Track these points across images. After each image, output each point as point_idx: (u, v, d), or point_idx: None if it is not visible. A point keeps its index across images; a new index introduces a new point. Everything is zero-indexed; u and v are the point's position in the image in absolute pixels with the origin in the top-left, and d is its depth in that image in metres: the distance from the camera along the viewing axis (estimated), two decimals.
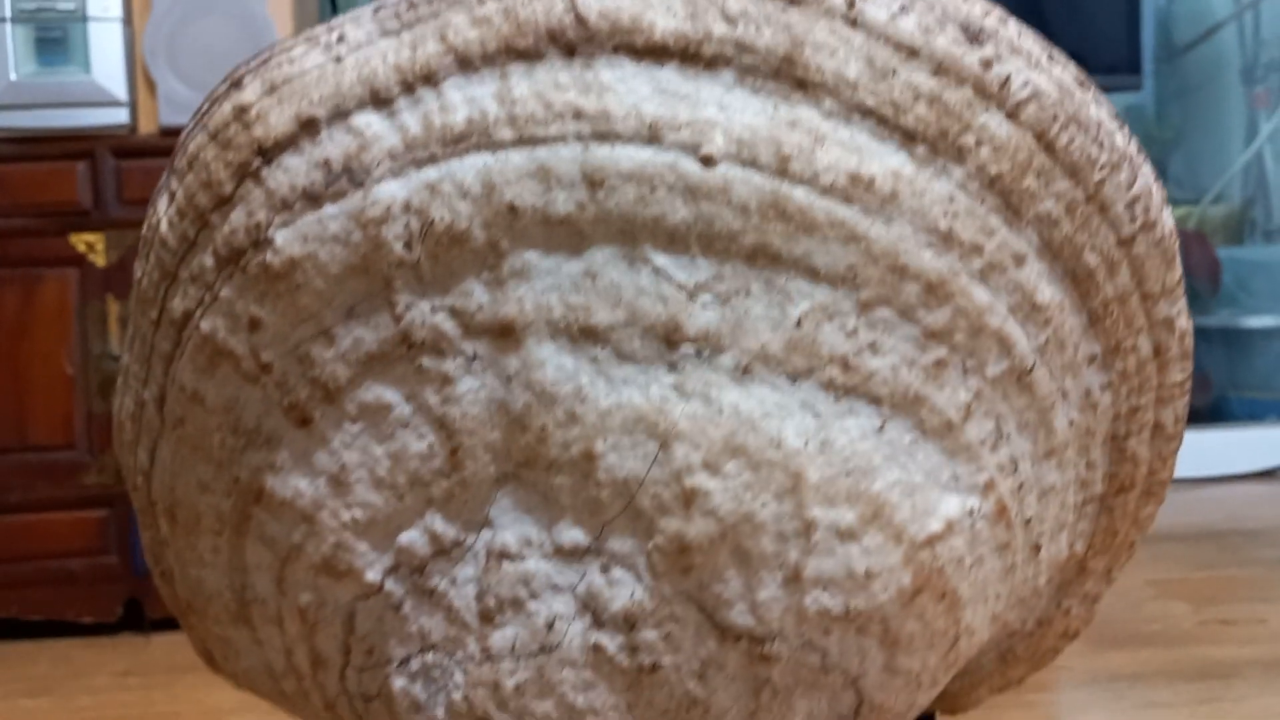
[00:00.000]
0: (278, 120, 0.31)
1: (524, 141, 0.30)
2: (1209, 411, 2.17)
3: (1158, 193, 0.33)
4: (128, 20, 1.32)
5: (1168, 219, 0.33)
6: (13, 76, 1.27)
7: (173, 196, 0.33)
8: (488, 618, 0.31)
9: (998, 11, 0.31)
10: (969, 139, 0.30)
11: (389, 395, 0.32)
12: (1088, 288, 0.33)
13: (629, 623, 0.30)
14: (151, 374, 0.35)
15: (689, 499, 0.30)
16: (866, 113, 0.30)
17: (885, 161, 0.30)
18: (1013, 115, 0.31)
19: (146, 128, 1.35)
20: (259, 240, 0.31)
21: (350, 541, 0.32)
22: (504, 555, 0.31)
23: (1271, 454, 1.98)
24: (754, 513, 0.30)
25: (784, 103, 0.30)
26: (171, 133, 1.31)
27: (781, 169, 0.30)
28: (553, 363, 0.30)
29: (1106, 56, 1.95)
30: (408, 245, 0.31)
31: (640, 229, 0.30)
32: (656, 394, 0.30)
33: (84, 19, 1.26)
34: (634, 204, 0.30)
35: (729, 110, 0.30)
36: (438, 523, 0.32)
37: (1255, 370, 2.25)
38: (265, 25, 1.32)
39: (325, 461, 0.32)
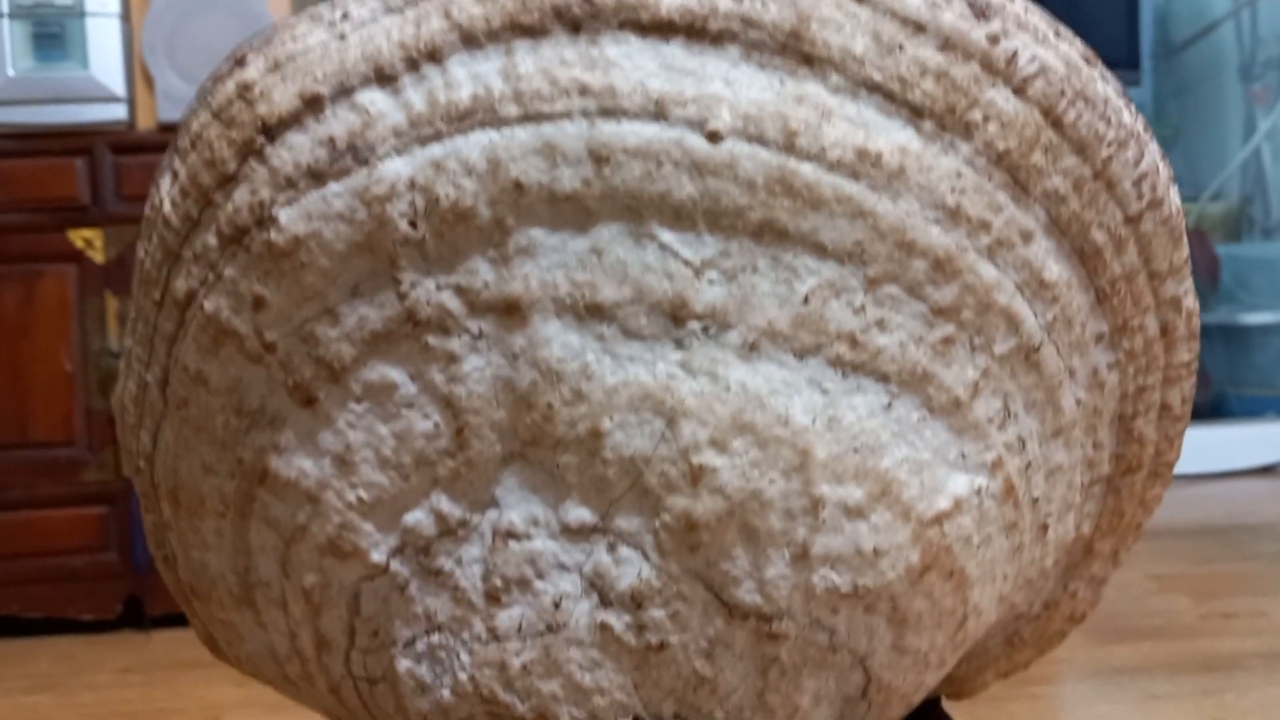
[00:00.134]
0: (281, 98, 0.31)
1: (529, 118, 0.30)
2: (1208, 408, 2.17)
3: (1164, 171, 0.33)
4: (126, 16, 1.31)
5: (1174, 197, 0.33)
6: (11, 72, 1.27)
7: (175, 175, 0.33)
8: (494, 598, 0.31)
9: None
10: (976, 114, 0.30)
11: (394, 374, 0.31)
12: (1095, 265, 0.33)
13: (636, 601, 0.30)
14: (154, 355, 0.35)
15: (696, 476, 0.30)
16: (873, 88, 0.30)
17: (892, 137, 0.30)
18: (1020, 91, 0.30)
19: (145, 123, 1.35)
20: (263, 218, 0.31)
21: (355, 522, 0.32)
22: (510, 535, 0.31)
23: (1271, 450, 1.99)
24: (761, 490, 0.30)
25: (790, 78, 0.30)
26: (170, 129, 1.31)
27: (788, 144, 0.29)
28: (559, 340, 0.30)
29: (1105, 53, 1.96)
30: (413, 223, 0.30)
31: (646, 205, 0.30)
32: (663, 371, 0.30)
33: (82, 15, 1.26)
34: (640, 180, 0.30)
35: (735, 86, 0.30)
36: (443, 502, 0.32)
37: (1254, 367, 2.25)
38: (264, 21, 1.32)
39: (330, 441, 0.32)
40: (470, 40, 0.30)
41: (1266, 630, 1.04)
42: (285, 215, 0.31)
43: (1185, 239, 0.34)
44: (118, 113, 1.29)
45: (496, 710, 0.32)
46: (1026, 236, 0.31)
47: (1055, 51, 0.31)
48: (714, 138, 0.29)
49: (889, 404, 0.30)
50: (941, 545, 0.31)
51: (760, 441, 0.30)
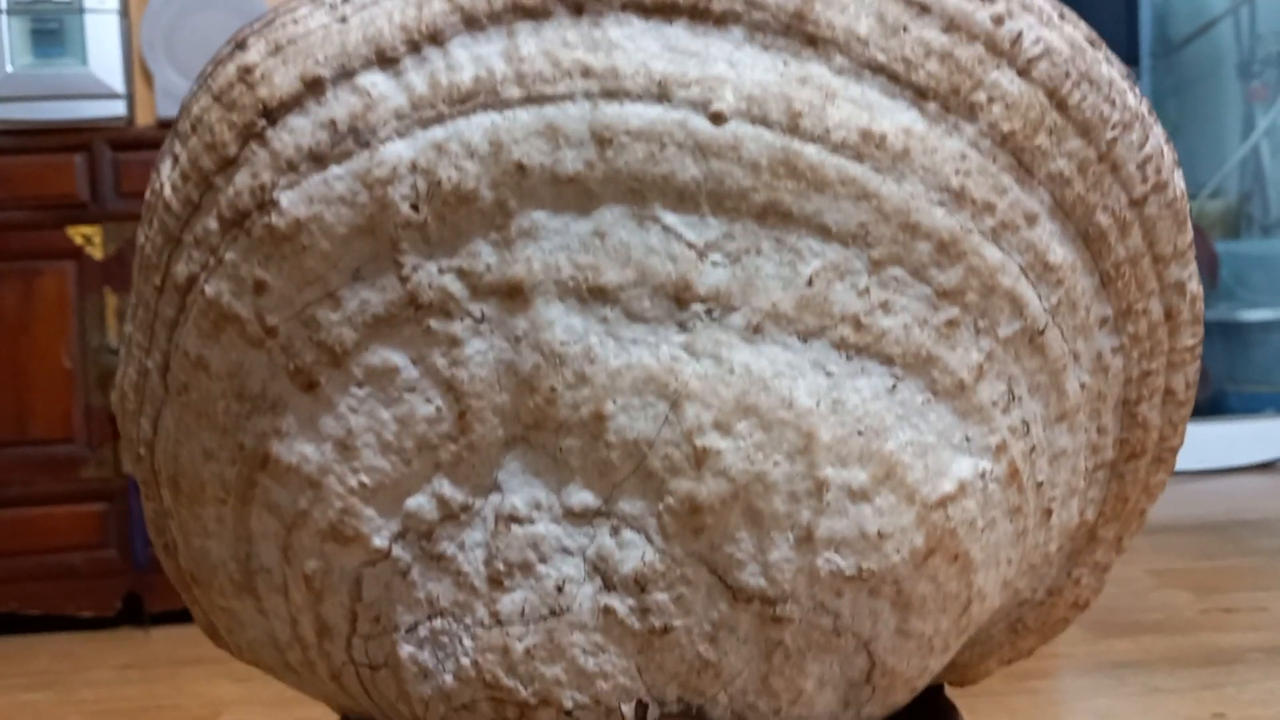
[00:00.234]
0: (282, 81, 0.31)
1: (532, 100, 0.30)
2: (1207, 405, 2.17)
3: (1169, 154, 0.33)
4: (124, 12, 1.31)
5: (1179, 181, 0.33)
6: (9, 69, 1.27)
7: (176, 160, 0.33)
8: (496, 582, 0.31)
9: None
10: (980, 96, 0.30)
11: (396, 358, 0.31)
12: (1100, 249, 0.32)
13: (640, 585, 0.30)
14: (155, 341, 0.35)
15: (700, 459, 0.29)
16: (877, 69, 0.30)
17: (896, 118, 0.30)
18: (1024, 72, 0.30)
19: (144, 120, 1.35)
20: (264, 202, 0.31)
21: (357, 507, 0.32)
22: (513, 519, 0.31)
23: (1270, 447, 1.99)
24: (766, 473, 0.29)
25: (794, 59, 0.30)
26: (169, 125, 1.31)
27: (792, 126, 0.29)
28: (561, 323, 0.30)
29: None
30: (414, 206, 0.30)
31: (650, 187, 0.30)
32: (667, 354, 0.30)
33: (81, 11, 1.26)
34: (643, 162, 0.29)
35: (739, 67, 0.29)
36: (446, 487, 0.31)
37: (1253, 364, 2.25)
38: None
39: (331, 426, 0.32)
40: (472, 22, 0.30)
41: (1267, 625, 1.04)
42: (286, 198, 0.31)
43: (1189, 223, 0.34)
44: (117, 109, 1.29)
45: (499, 695, 0.31)
46: (1031, 219, 0.31)
47: (1060, 33, 0.31)
48: (717, 119, 0.29)
49: (893, 387, 0.30)
50: (946, 529, 0.31)
51: (764, 424, 0.30)
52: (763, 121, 0.29)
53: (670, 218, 0.30)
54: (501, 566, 0.31)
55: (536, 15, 0.30)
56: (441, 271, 0.31)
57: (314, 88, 0.31)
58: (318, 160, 0.31)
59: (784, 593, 0.30)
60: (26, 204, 1.28)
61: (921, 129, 0.30)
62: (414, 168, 0.30)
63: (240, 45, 0.32)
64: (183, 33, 1.31)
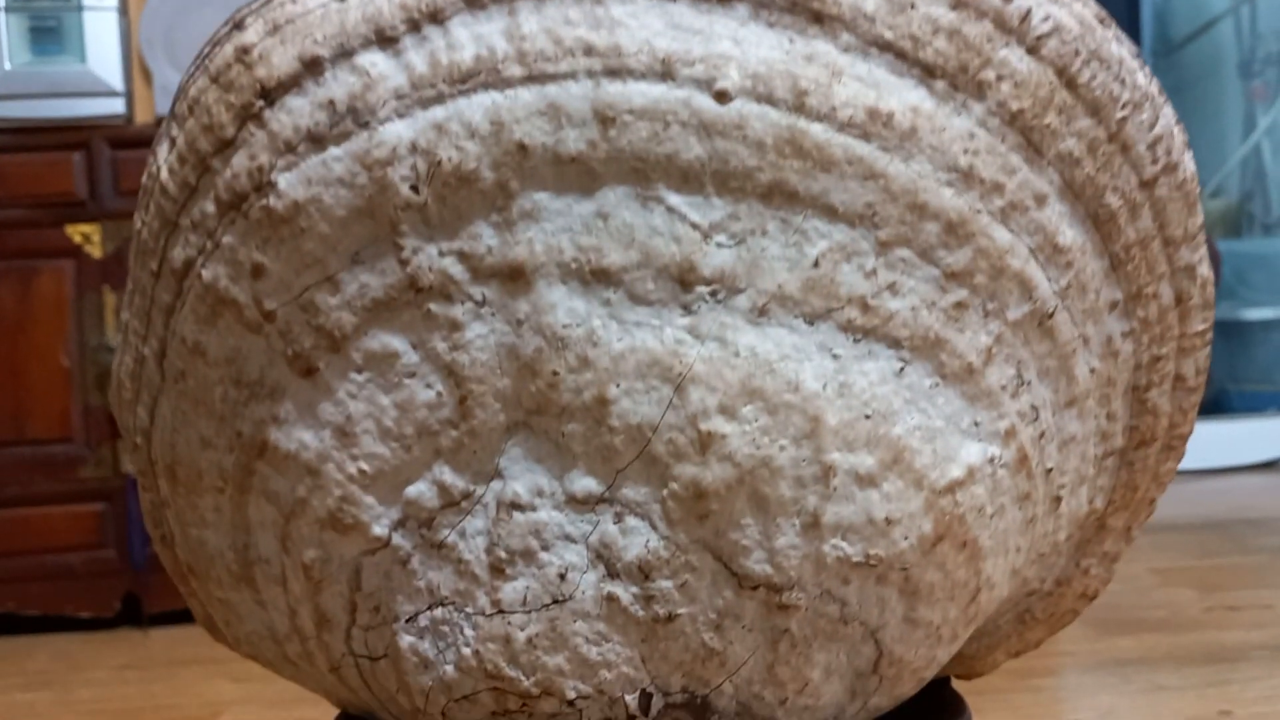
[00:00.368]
0: (280, 60, 0.30)
1: (533, 79, 0.29)
2: (1209, 404, 2.17)
3: (1179, 135, 0.33)
4: (123, 10, 1.31)
5: (1189, 162, 0.33)
6: (7, 66, 1.26)
7: (173, 142, 0.32)
8: (498, 570, 0.31)
9: None
10: (989, 74, 0.30)
11: (396, 343, 0.31)
12: (1109, 231, 0.32)
13: (644, 572, 0.30)
14: (151, 328, 0.34)
15: (705, 444, 0.29)
16: (884, 47, 0.29)
17: (904, 97, 0.29)
18: (1033, 50, 0.30)
19: (143, 118, 1.35)
20: (261, 184, 0.31)
21: (356, 495, 0.32)
22: (515, 506, 0.30)
23: (1272, 446, 1.98)
24: (772, 457, 0.29)
25: (800, 37, 0.29)
26: None
27: (798, 104, 0.29)
28: (564, 306, 0.29)
29: None
30: (414, 187, 0.30)
31: (653, 167, 0.29)
32: (671, 337, 0.29)
33: (79, 8, 1.25)
34: (647, 142, 0.29)
35: (744, 45, 0.29)
36: (446, 474, 0.31)
37: (1255, 363, 2.25)
38: None
39: (330, 413, 0.32)
40: (473, 0, 0.30)
41: (1271, 622, 1.03)
42: (284, 180, 0.30)
43: (1199, 205, 0.33)
44: (115, 107, 1.28)
45: (501, 685, 0.31)
46: (1040, 200, 0.31)
47: (1069, 10, 0.30)
48: (722, 98, 0.29)
49: (901, 370, 0.30)
50: (954, 515, 0.30)
51: (770, 408, 0.29)
52: (768, 100, 0.29)
53: (674, 198, 0.29)
54: (503, 554, 0.31)
55: None
56: (442, 254, 0.30)
57: (312, 68, 0.30)
58: (316, 141, 0.30)
59: (790, 580, 0.30)
60: (24, 202, 1.27)
61: (929, 107, 0.29)
62: (414, 148, 0.30)
63: (238, 25, 0.31)
64: (181, 30, 1.31)
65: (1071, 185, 0.31)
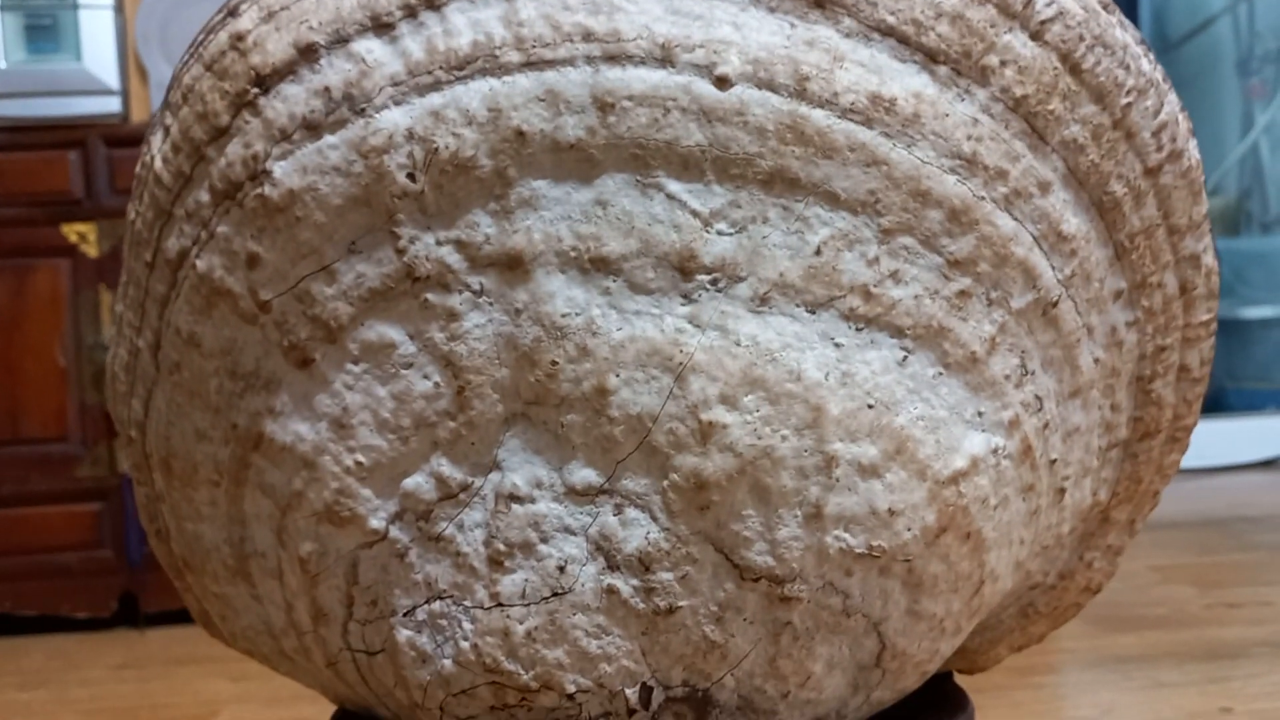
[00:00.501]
0: (275, 47, 0.30)
1: (531, 65, 0.29)
2: (1207, 403, 2.16)
3: (1184, 122, 0.32)
4: (119, 8, 1.30)
5: (1194, 150, 0.32)
6: (2, 65, 1.26)
7: (167, 131, 0.32)
8: (497, 563, 0.30)
9: None
10: (993, 59, 0.29)
11: (393, 333, 0.30)
12: (1114, 219, 0.32)
13: (644, 564, 0.29)
14: (146, 319, 0.34)
15: (706, 434, 0.29)
16: (887, 32, 0.29)
17: (906, 82, 0.29)
18: (1037, 35, 0.30)
19: (139, 116, 1.34)
20: (256, 173, 0.30)
21: (353, 487, 0.31)
22: (513, 498, 0.30)
23: (1270, 444, 1.98)
24: (774, 447, 0.29)
25: (801, 21, 0.29)
26: None
27: (799, 90, 0.28)
28: (562, 295, 0.29)
29: None
30: (411, 175, 0.29)
31: (653, 154, 0.29)
32: (671, 325, 0.29)
33: (75, 6, 1.25)
34: (646, 128, 0.29)
35: (744, 30, 0.29)
36: (444, 466, 0.31)
37: (1253, 361, 2.25)
38: None
39: (327, 404, 0.31)
40: None
41: (1272, 619, 1.03)
42: (280, 169, 0.30)
43: (1204, 193, 0.33)
44: (111, 105, 1.28)
45: (500, 680, 0.31)
46: (1044, 187, 0.30)
47: None
48: (722, 83, 0.28)
49: (904, 359, 0.29)
50: (958, 506, 0.30)
51: (772, 397, 0.29)
52: (769, 85, 0.28)
53: (674, 185, 0.29)
54: (502, 547, 0.30)
55: None
56: (439, 243, 0.30)
57: (308, 54, 0.30)
58: (312, 129, 0.30)
59: (792, 571, 0.29)
60: (20, 201, 1.27)
61: (932, 93, 0.29)
62: (411, 136, 0.29)
63: (232, 12, 0.31)
64: (177, 28, 1.30)
65: (1075, 172, 0.31)
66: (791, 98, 0.28)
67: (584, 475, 0.30)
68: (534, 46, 0.29)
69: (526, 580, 0.30)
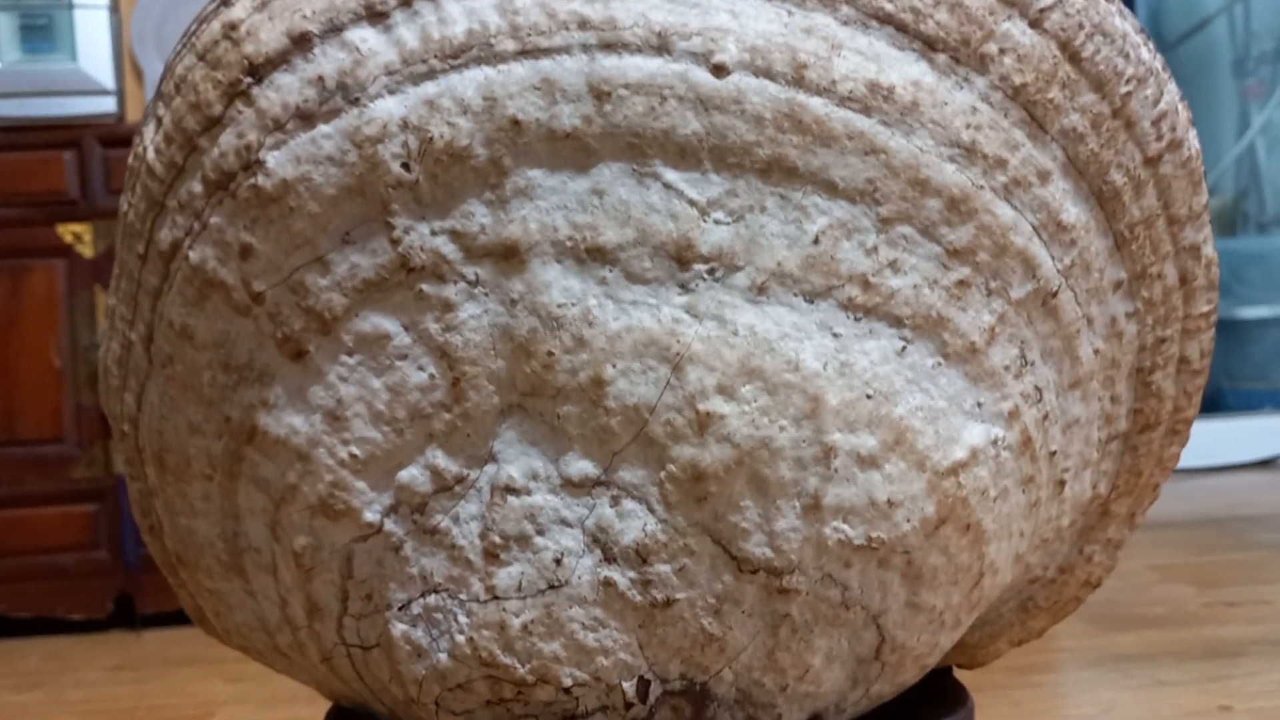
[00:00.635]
0: (269, 36, 0.30)
1: (527, 53, 0.29)
2: (1205, 402, 2.16)
3: (1183, 111, 0.32)
4: (114, 8, 1.30)
5: (1193, 140, 0.32)
6: None
7: (160, 122, 0.32)
8: (493, 555, 0.30)
9: None
10: (992, 47, 0.29)
11: (387, 324, 0.30)
12: (1114, 208, 0.31)
13: (641, 556, 0.29)
14: (138, 312, 0.34)
15: (703, 424, 0.28)
16: (885, 19, 0.29)
17: (905, 70, 0.29)
18: (1036, 23, 0.29)
19: (134, 116, 1.34)
20: (250, 163, 0.30)
21: (348, 480, 0.31)
22: (509, 490, 0.30)
23: (1267, 444, 1.98)
24: (772, 438, 0.28)
25: (799, 9, 0.29)
26: None
27: (797, 78, 0.28)
28: (559, 285, 0.29)
29: None
30: (405, 165, 0.29)
31: (649, 143, 0.29)
32: (668, 315, 0.29)
33: (70, 6, 1.25)
34: (643, 117, 0.28)
35: (741, 17, 0.28)
36: (439, 458, 0.30)
37: (1250, 361, 2.25)
38: None
39: (321, 396, 0.31)
40: None
41: (1270, 617, 1.03)
42: (273, 159, 0.30)
43: (1204, 183, 0.33)
44: (107, 105, 1.27)
45: (496, 673, 0.30)
46: (1044, 176, 0.30)
47: None
48: (719, 71, 0.28)
49: (903, 349, 0.29)
50: (958, 497, 0.30)
51: (770, 388, 0.28)
52: (766, 74, 0.28)
53: (671, 174, 0.29)
54: (497, 539, 0.30)
55: None
56: (434, 233, 0.29)
57: (301, 43, 0.30)
58: (305, 119, 0.30)
59: (790, 563, 0.29)
60: (15, 201, 1.27)
61: (931, 81, 0.29)
62: (405, 125, 0.29)
63: (225, 1, 0.31)
64: (173, 27, 1.30)
65: (1075, 162, 0.31)
66: (789, 86, 0.28)
67: (580, 467, 0.29)
68: (529, 34, 0.29)
69: (522, 573, 0.30)
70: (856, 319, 0.29)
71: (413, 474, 0.31)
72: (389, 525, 0.31)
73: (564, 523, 0.30)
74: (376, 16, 0.29)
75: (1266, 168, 2.34)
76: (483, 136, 0.29)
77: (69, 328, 1.27)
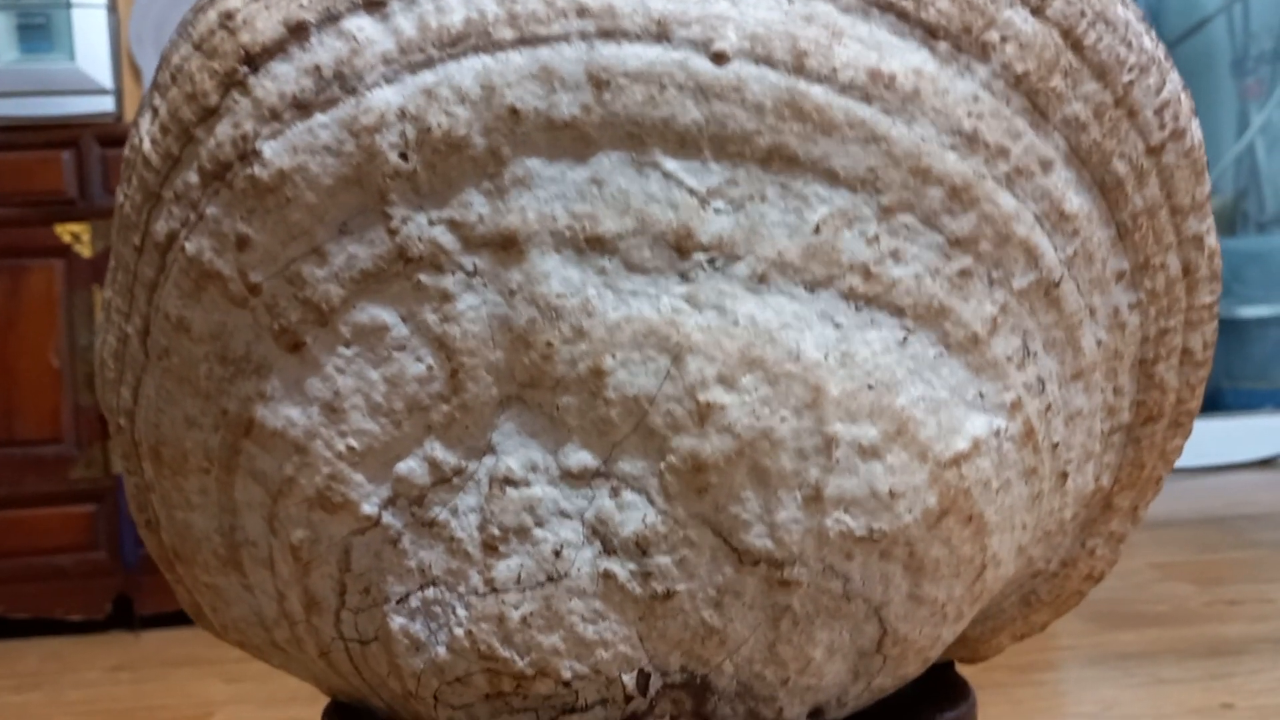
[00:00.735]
0: (265, 25, 0.30)
1: (525, 41, 0.28)
2: (1205, 402, 2.16)
3: (1186, 101, 0.32)
4: (112, 7, 1.30)
5: (1196, 129, 0.32)
6: None
7: (155, 113, 0.32)
8: (491, 548, 0.30)
9: None
10: (993, 35, 0.29)
11: (385, 315, 0.30)
12: (1116, 198, 0.31)
13: (641, 548, 0.29)
14: (134, 305, 0.33)
15: (704, 415, 0.28)
16: (886, 7, 0.28)
17: (906, 58, 0.28)
18: (1038, 11, 0.29)
19: (133, 116, 1.34)
20: (246, 153, 0.30)
21: (345, 472, 0.31)
22: (508, 482, 0.30)
23: (1268, 443, 1.98)
24: (772, 428, 0.28)
25: None
26: None
27: (798, 66, 0.28)
28: (558, 275, 0.29)
29: None
30: (403, 154, 0.29)
31: (649, 132, 0.28)
32: (668, 305, 0.28)
33: (68, 5, 1.24)
34: (642, 105, 0.28)
35: (741, 4, 0.28)
36: (438, 450, 0.30)
37: (1250, 360, 2.25)
38: None
39: (318, 388, 0.31)
40: None
41: (1272, 616, 1.03)
42: (270, 149, 0.30)
43: (1207, 173, 0.33)
44: (105, 105, 1.27)
45: (495, 666, 0.30)
46: (1046, 165, 0.30)
47: None
48: (720, 59, 0.28)
49: (904, 339, 0.29)
50: (960, 488, 0.30)
51: (770, 378, 0.28)
52: (767, 61, 0.28)
53: (671, 163, 0.28)
54: (496, 531, 0.30)
55: None
56: (432, 223, 0.29)
57: (298, 32, 0.30)
58: (302, 108, 0.29)
59: (792, 555, 0.29)
60: (13, 201, 1.26)
61: (932, 69, 0.29)
62: (403, 114, 0.29)
63: None
64: (171, 27, 1.30)
65: (1078, 151, 0.30)
66: (789, 74, 0.28)
67: (580, 458, 0.29)
68: (528, 23, 0.28)
69: (521, 565, 0.30)
70: (858, 309, 0.29)
71: (411, 466, 0.30)
72: (387, 518, 0.31)
73: (563, 514, 0.29)
74: (374, 5, 0.29)
75: (1266, 167, 2.34)
76: (481, 126, 0.29)
77: (67, 328, 1.27)
